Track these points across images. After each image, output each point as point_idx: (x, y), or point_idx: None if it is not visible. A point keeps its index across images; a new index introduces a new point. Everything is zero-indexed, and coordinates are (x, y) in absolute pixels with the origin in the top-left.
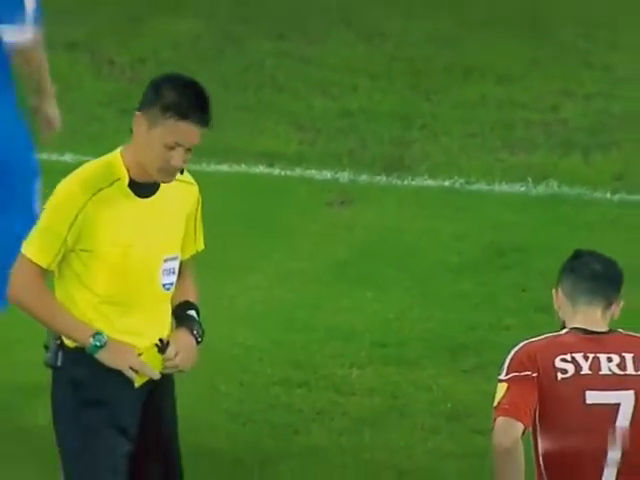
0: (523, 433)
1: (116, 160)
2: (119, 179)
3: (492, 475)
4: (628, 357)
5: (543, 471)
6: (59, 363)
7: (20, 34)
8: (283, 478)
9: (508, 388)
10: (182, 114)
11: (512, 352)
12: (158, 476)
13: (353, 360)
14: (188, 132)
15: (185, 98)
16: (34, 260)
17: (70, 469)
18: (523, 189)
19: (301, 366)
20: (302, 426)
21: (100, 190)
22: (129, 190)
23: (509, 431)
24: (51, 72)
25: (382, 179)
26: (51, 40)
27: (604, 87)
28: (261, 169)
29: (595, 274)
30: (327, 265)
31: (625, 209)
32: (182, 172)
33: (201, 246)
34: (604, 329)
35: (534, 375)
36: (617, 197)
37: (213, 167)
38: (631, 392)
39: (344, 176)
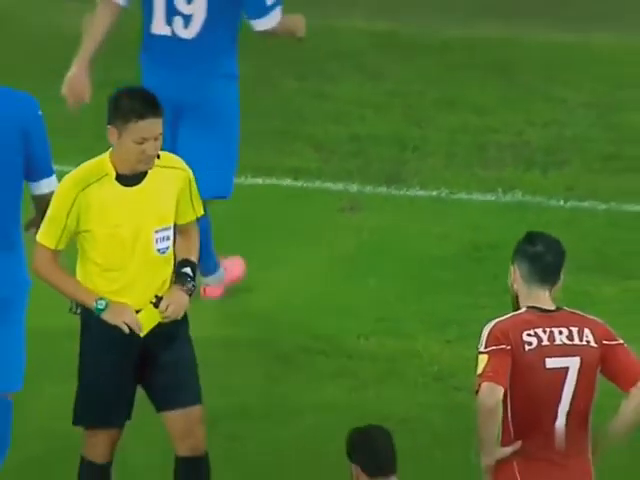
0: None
1: (105, 160)
2: (107, 174)
3: (471, 425)
4: (574, 330)
5: (510, 424)
6: (78, 311)
7: (270, 22)
8: (308, 425)
9: (489, 359)
10: (140, 115)
11: (487, 329)
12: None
13: (360, 332)
14: (149, 127)
15: (137, 102)
16: (43, 243)
17: (79, 382)
18: (494, 198)
19: (320, 337)
20: (320, 385)
21: (89, 185)
22: (116, 182)
23: (492, 394)
24: None
25: (383, 190)
26: None
27: (559, 116)
28: (288, 182)
29: (547, 266)
30: (340, 258)
31: (575, 213)
32: (158, 157)
33: (200, 212)
34: (553, 307)
35: (508, 348)
36: (569, 204)
37: (250, 181)
38: (577, 358)
39: (353, 187)
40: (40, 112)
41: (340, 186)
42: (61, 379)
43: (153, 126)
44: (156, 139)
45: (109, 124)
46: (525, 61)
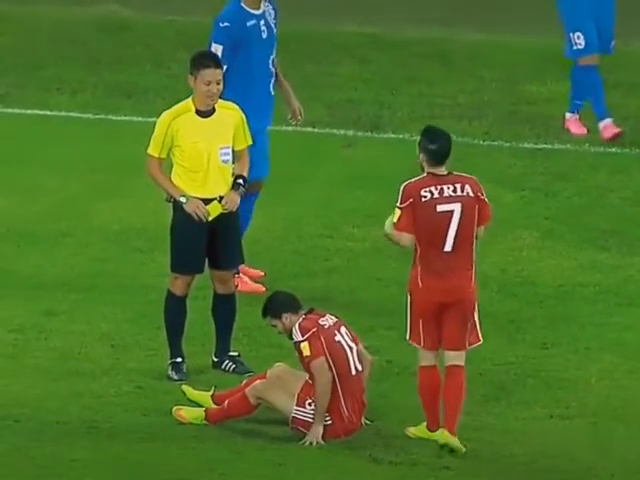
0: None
1: (188, 101)
2: (189, 110)
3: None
4: (458, 185)
5: (418, 249)
6: (171, 200)
7: None
8: None
9: (401, 213)
10: (205, 65)
11: (401, 189)
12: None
13: (354, 224)
14: (212, 73)
15: (204, 58)
16: (151, 153)
17: (171, 245)
18: None
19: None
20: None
21: (178, 115)
22: (195, 115)
23: (404, 236)
24: None
25: (368, 134)
26: None
27: (479, 87)
28: (309, 129)
29: (443, 152)
30: (341, 175)
31: (490, 149)
32: (221, 97)
33: (249, 142)
34: (445, 173)
35: (411, 201)
36: (486, 143)
37: (283, 129)
38: (459, 204)
39: (350, 132)
40: None
41: (342, 132)
42: None
43: (214, 73)
44: (217, 83)
45: (190, 74)
46: (459, 52)
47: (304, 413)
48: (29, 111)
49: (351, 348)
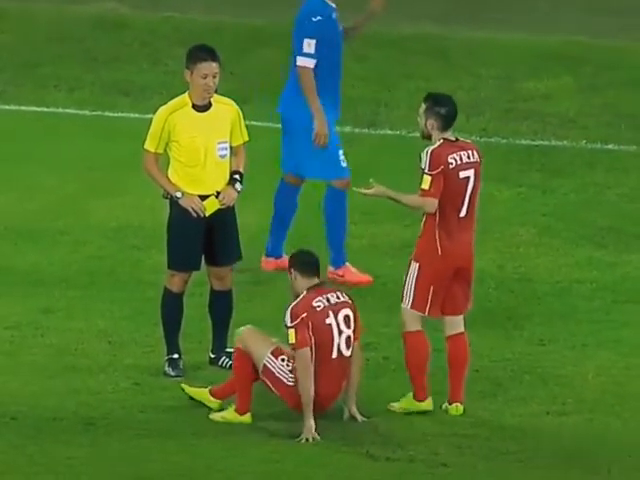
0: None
1: (185, 96)
2: (186, 104)
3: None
4: (470, 152)
5: (436, 227)
6: (168, 196)
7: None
8: None
9: (432, 180)
10: (202, 59)
11: (426, 153)
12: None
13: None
14: (209, 67)
15: (200, 51)
16: (148, 149)
17: (168, 242)
18: None
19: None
20: None
21: (175, 110)
22: (192, 109)
23: (430, 201)
24: None
25: (365, 130)
26: None
27: (477, 84)
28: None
29: (454, 117)
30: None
31: (487, 146)
32: (216, 91)
33: (246, 138)
34: (454, 138)
35: (442, 168)
36: (483, 139)
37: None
38: (472, 170)
39: (347, 129)
40: None
41: (339, 127)
42: None
43: (211, 67)
44: (214, 76)
45: (186, 68)
46: (456, 49)
47: (275, 365)
48: (26, 108)
49: (341, 332)
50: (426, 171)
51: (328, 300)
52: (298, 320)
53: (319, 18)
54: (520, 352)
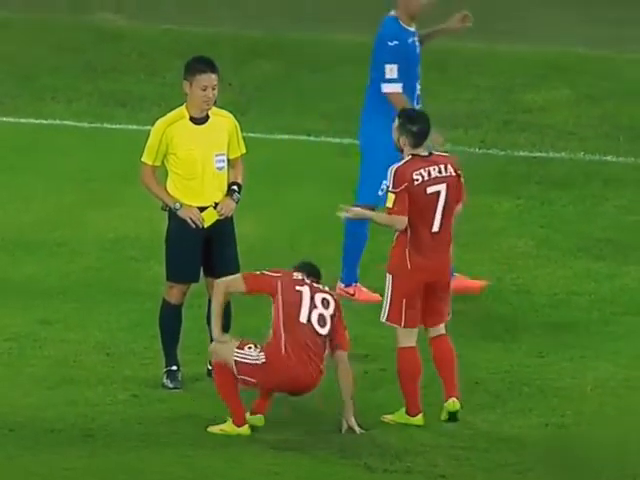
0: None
1: (182, 109)
2: (184, 117)
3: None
4: (442, 166)
5: (407, 242)
6: (166, 208)
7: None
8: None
9: (396, 197)
10: (201, 71)
11: (391, 173)
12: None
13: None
14: (208, 79)
15: (199, 63)
16: (145, 161)
17: (166, 254)
18: None
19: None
20: None
21: (173, 122)
22: (189, 122)
23: (399, 219)
24: None
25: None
26: None
27: (475, 96)
28: (303, 137)
29: (426, 134)
30: (336, 180)
31: (486, 157)
32: (215, 103)
33: (243, 150)
34: (426, 153)
35: (406, 185)
36: (481, 151)
37: (278, 137)
38: (444, 184)
39: (344, 141)
40: None
41: (337, 140)
42: None
43: (210, 78)
44: (213, 88)
45: (185, 79)
46: (455, 61)
47: (244, 354)
48: (24, 120)
49: (314, 306)
50: (390, 189)
51: (311, 286)
52: (267, 276)
53: (396, 42)
54: (519, 364)
